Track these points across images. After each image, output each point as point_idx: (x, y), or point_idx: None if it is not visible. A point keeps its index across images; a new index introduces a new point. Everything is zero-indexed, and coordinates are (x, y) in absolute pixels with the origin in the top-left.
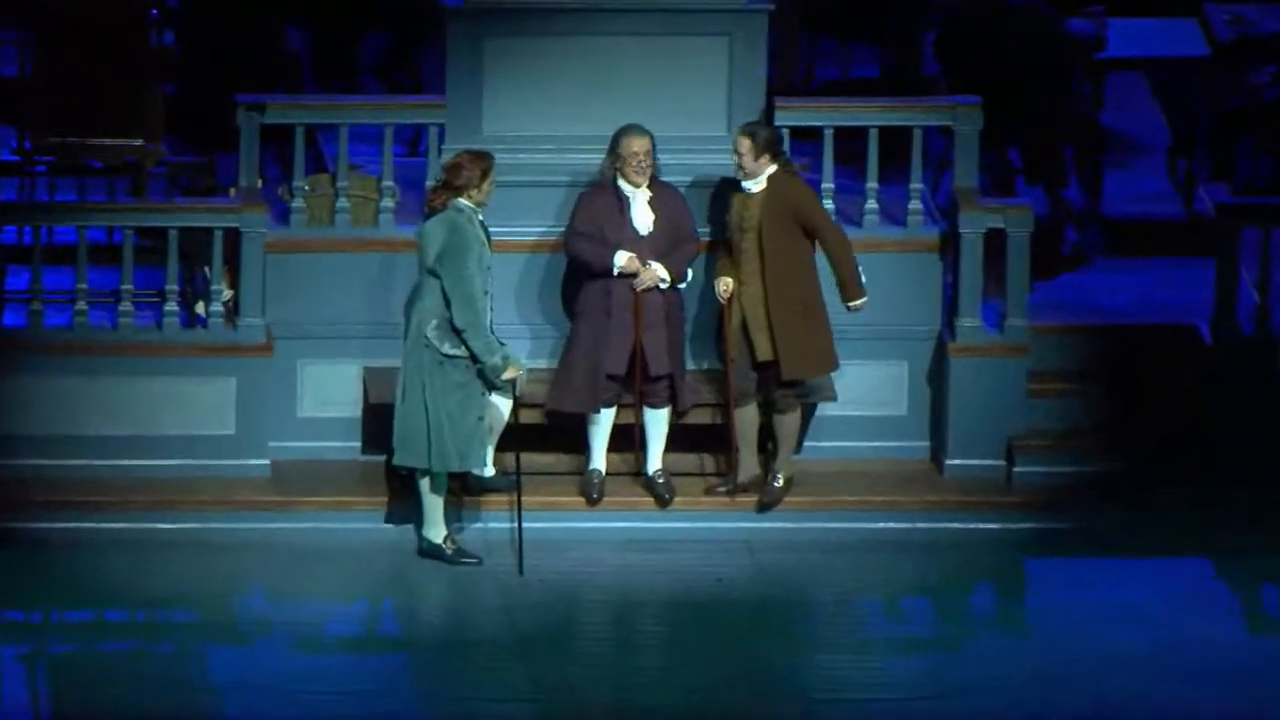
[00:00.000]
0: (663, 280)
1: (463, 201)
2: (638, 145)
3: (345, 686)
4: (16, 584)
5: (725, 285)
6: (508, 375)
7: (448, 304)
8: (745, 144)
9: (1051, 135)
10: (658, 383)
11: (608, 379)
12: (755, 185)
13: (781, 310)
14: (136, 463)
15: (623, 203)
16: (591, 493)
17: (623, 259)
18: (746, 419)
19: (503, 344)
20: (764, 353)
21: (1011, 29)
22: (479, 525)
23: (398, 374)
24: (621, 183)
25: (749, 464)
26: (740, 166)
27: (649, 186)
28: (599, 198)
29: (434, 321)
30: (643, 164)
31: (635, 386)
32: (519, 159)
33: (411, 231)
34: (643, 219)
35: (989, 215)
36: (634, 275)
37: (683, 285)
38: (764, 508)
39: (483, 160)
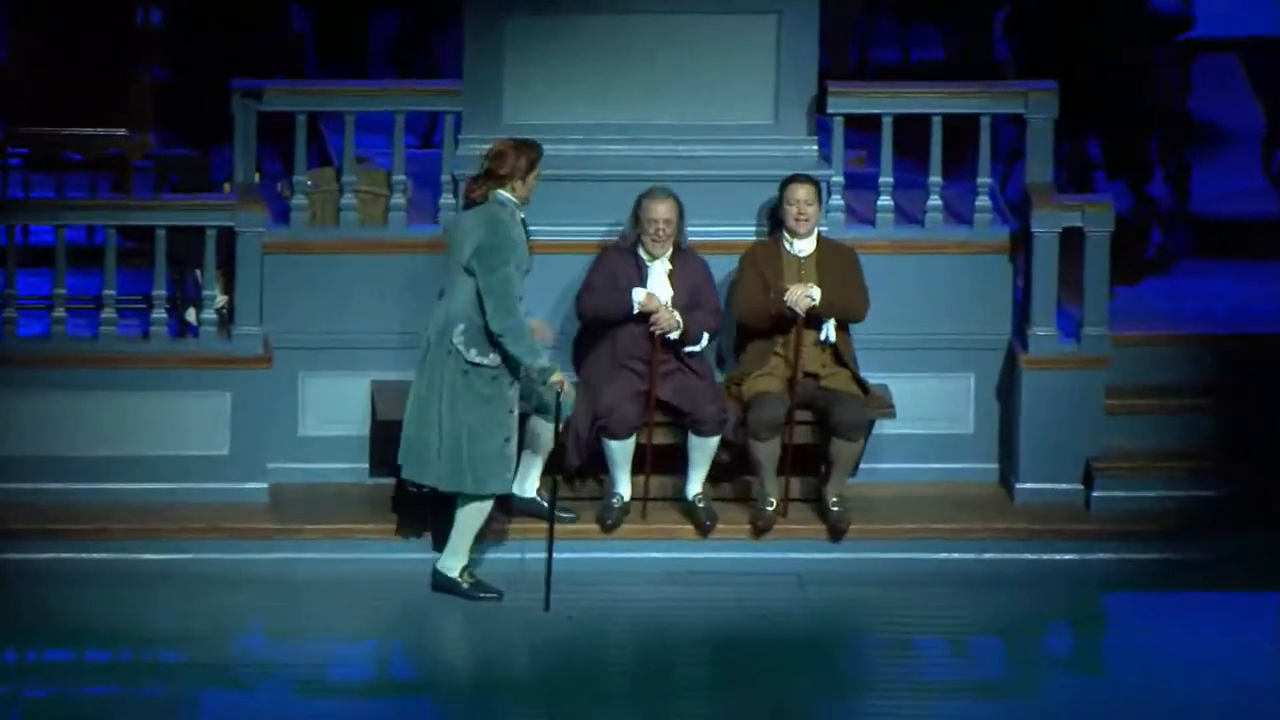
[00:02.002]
0: (677, 325)
1: (504, 194)
2: (656, 211)
3: None
4: None
5: (801, 295)
6: (555, 379)
7: (480, 306)
8: (812, 193)
9: (1134, 124)
10: (701, 412)
11: (633, 405)
12: (808, 246)
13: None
14: (120, 486)
15: (640, 270)
16: (606, 519)
17: (641, 294)
18: (773, 451)
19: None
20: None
21: (1089, 7)
22: (500, 555)
23: (415, 381)
24: (641, 250)
25: (775, 490)
26: (802, 220)
27: (670, 258)
28: (617, 258)
29: (461, 325)
30: (661, 232)
31: (649, 418)
32: (543, 151)
33: (424, 231)
34: (659, 291)
35: (1065, 213)
36: (653, 314)
37: (696, 348)
38: (838, 534)
39: (529, 150)
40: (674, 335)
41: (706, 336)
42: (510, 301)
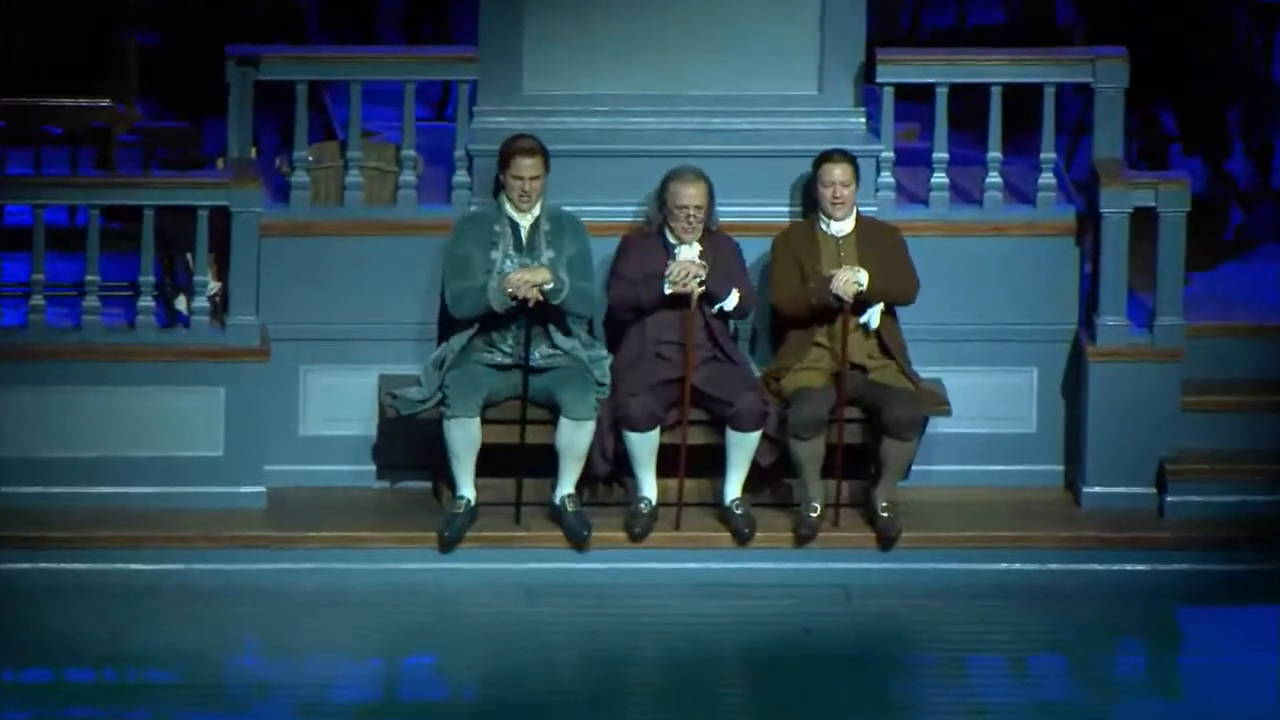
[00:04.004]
0: (701, 268)
1: (503, 196)
2: (686, 196)
3: None
4: None
5: (848, 280)
6: (504, 285)
7: None
8: (848, 172)
9: (1212, 95)
10: (739, 403)
11: (657, 394)
12: (846, 226)
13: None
14: (104, 490)
15: (669, 254)
16: (634, 526)
17: (673, 271)
18: (817, 451)
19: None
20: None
21: None
22: (514, 565)
23: None
24: (668, 234)
25: (819, 494)
26: (839, 203)
27: (700, 239)
28: (643, 244)
29: None
30: (692, 218)
31: (683, 413)
32: (566, 124)
33: (436, 211)
34: None
35: (1136, 191)
36: (686, 296)
37: (727, 304)
38: (889, 542)
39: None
40: (698, 287)
41: (736, 295)
42: (447, 292)
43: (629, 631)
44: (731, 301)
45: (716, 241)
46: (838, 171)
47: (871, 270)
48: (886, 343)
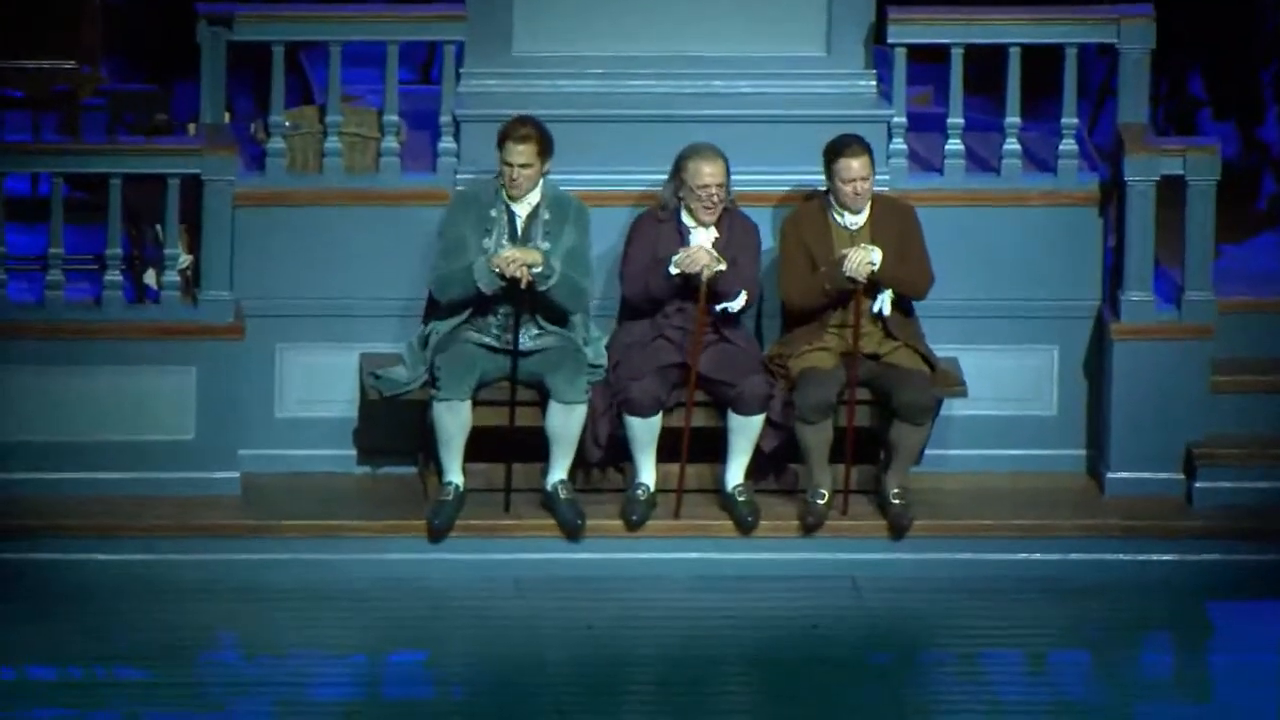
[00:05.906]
0: (713, 258)
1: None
2: (708, 175)
3: None
4: None
5: (861, 260)
6: (492, 264)
7: None
8: (867, 164)
9: (1243, 57)
10: (743, 385)
11: (660, 378)
12: (862, 218)
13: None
14: (69, 476)
15: (683, 240)
16: (632, 513)
17: (683, 260)
18: (825, 436)
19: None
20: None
21: None
22: (511, 556)
23: None
24: (685, 215)
25: (827, 481)
26: (860, 197)
27: (717, 224)
28: (658, 231)
29: None
30: (715, 197)
31: (687, 396)
32: (559, 87)
33: (420, 180)
34: None
35: (1163, 159)
36: (697, 275)
37: (733, 306)
38: (900, 531)
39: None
40: (708, 271)
41: (744, 297)
42: (433, 274)
43: (625, 626)
44: (737, 305)
45: (733, 224)
46: (856, 165)
47: (884, 257)
48: (895, 334)
